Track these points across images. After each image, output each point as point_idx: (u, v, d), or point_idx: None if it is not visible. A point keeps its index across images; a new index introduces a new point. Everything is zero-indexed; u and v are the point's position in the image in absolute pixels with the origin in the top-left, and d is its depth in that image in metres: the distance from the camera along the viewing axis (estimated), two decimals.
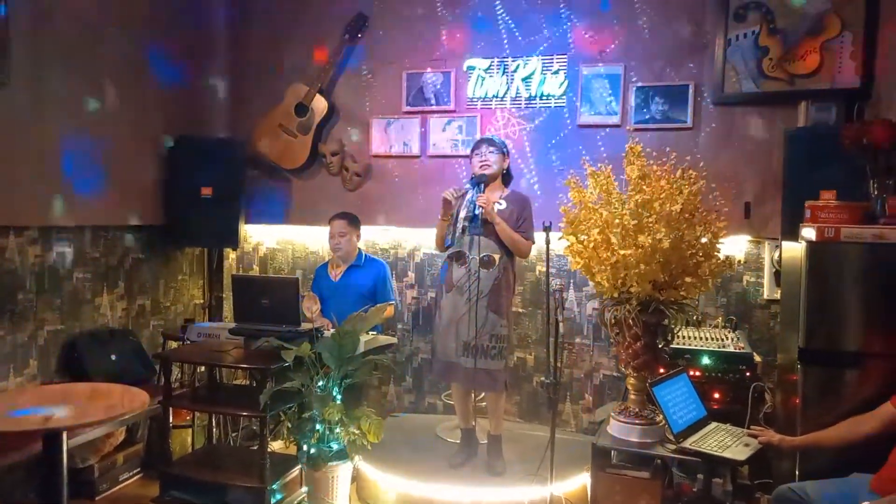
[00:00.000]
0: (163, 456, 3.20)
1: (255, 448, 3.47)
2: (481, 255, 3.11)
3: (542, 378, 3.86)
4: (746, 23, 3.52)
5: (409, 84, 4.14)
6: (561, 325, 2.66)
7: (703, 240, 2.48)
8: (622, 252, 2.39)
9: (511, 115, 3.96)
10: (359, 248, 3.86)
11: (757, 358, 3.08)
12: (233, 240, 4.19)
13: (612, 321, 2.54)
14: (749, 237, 3.59)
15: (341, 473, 3.08)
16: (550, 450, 2.59)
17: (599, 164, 2.64)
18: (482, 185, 3.17)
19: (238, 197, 4.16)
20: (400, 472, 3.20)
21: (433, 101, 4.11)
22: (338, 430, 3.04)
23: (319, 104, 4.21)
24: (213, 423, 3.57)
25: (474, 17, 4.00)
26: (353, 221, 3.81)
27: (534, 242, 3.22)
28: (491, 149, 3.22)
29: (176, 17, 4.14)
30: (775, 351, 3.43)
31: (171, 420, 3.20)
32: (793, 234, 2.81)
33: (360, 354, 3.11)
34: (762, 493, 3.04)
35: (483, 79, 4.00)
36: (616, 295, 2.51)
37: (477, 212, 3.08)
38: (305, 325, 3.19)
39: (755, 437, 2.45)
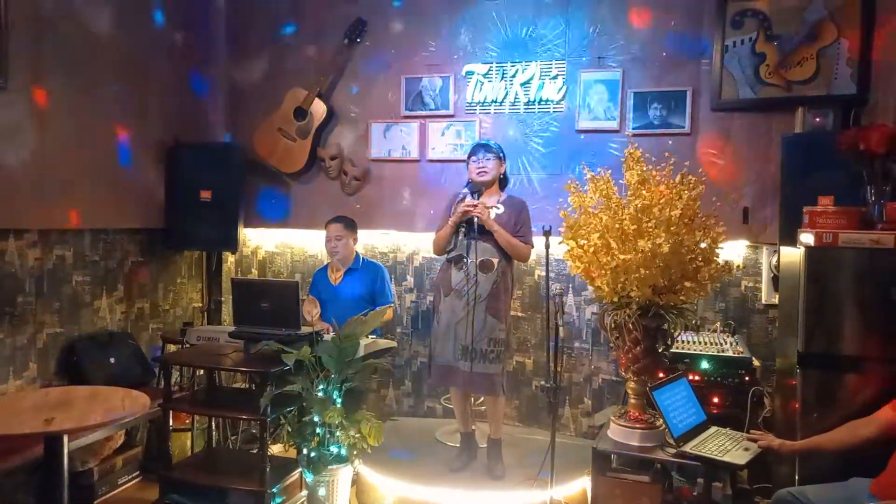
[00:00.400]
0: (162, 459, 3.20)
1: (255, 451, 3.47)
2: (480, 259, 3.12)
3: (542, 382, 3.88)
4: (743, 29, 3.55)
5: (408, 88, 4.16)
6: (560, 329, 2.67)
7: (703, 245, 2.50)
8: (622, 257, 2.41)
9: (510, 120, 3.98)
10: (356, 252, 3.87)
11: (756, 362, 3.10)
12: (232, 243, 4.20)
13: (612, 325, 2.55)
14: (747, 242, 3.61)
15: (341, 477, 3.08)
16: (551, 453, 2.60)
17: (599, 169, 2.66)
18: (478, 194, 3.18)
19: (237, 201, 4.16)
20: (400, 475, 3.20)
21: (432, 106, 4.12)
22: (338, 433, 3.04)
23: (318, 108, 4.22)
24: (213, 427, 3.56)
25: (473, 22, 4.02)
26: (350, 225, 3.82)
27: (533, 246, 3.23)
28: (488, 155, 3.22)
29: (176, 21, 4.15)
30: (774, 355, 3.44)
31: (170, 423, 3.20)
32: (791, 240, 2.82)
33: (360, 358, 3.12)
34: (761, 497, 3.05)
35: (482, 83, 4.02)
36: (616, 299, 2.52)
37: (475, 220, 3.08)
38: (305, 329, 3.19)
39: (755, 441, 2.46)
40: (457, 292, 3.16)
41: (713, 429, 2.61)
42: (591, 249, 2.52)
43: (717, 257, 2.52)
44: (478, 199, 3.16)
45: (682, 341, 3.21)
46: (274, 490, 2.96)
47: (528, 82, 3.93)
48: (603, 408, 3.82)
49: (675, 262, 2.40)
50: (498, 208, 3.22)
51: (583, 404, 3.95)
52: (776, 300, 3.47)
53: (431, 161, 4.14)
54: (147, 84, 3.96)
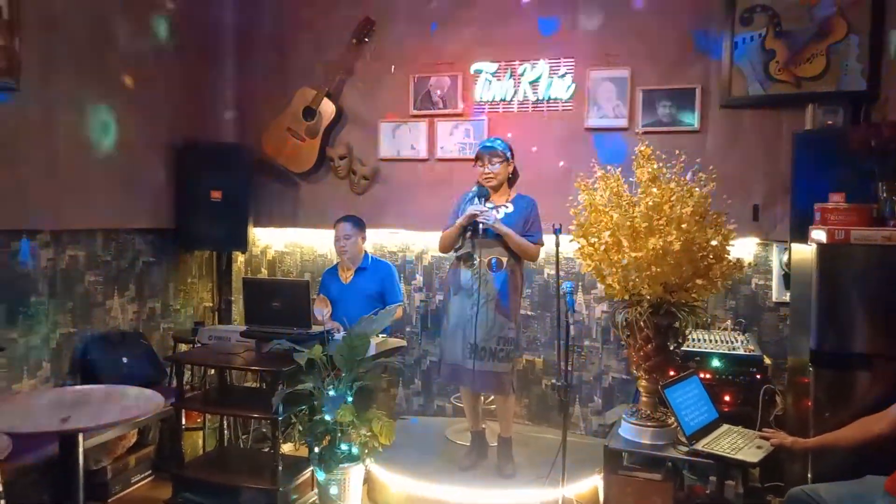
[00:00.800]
0: (175, 458, 3.22)
1: (267, 450, 3.50)
2: (489, 258, 3.12)
3: (553, 381, 3.88)
4: (753, 26, 3.54)
5: (417, 87, 4.17)
6: (571, 327, 2.67)
7: (714, 242, 2.49)
8: (633, 254, 2.41)
9: (518, 118, 3.98)
10: (365, 251, 3.88)
11: (767, 360, 3.10)
12: (242, 243, 4.22)
13: (624, 323, 2.55)
14: (757, 240, 3.60)
15: (353, 475, 3.09)
16: (562, 452, 2.60)
17: (608, 167, 2.66)
18: (485, 198, 3.16)
19: (247, 200, 4.19)
20: (411, 474, 3.21)
21: (441, 105, 4.13)
22: (349, 432, 3.05)
23: (327, 108, 4.23)
24: (225, 426, 3.58)
25: (481, 21, 4.02)
26: (358, 224, 3.83)
27: (542, 244, 3.23)
28: (494, 160, 3.17)
29: (185, 22, 4.17)
30: (785, 353, 3.43)
31: (183, 422, 3.21)
32: (802, 237, 2.82)
33: (370, 357, 3.13)
34: (773, 495, 3.05)
35: (490, 82, 4.02)
36: (627, 297, 2.52)
37: (481, 227, 3.08)
38: (316, 328, 3.21)
39: (767, 439, 2.45)
40: (466, 291, 3.16)
41: (725, 427, 2.61)
42: (602, 247, 2.52)
43: (729, 255, 2.51)
44: (486, 202, 3.14)
45: (693, 339, 3.21)
46: (286, 489, 2.97)
47: (536, 80, 3.93)
48: (613, 406, 3.81)
49: (686, 259, 2.40)
50: (507, 207, 3.21)
51: (593, 403, 3.95)
52: (787, 298, 3.46)
53: (440, 160, 4.14)
54: (157, 84, 3.98)
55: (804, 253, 2.78)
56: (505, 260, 3.13)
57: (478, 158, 3.24)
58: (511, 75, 3.98)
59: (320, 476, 3.05)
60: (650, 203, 2.46)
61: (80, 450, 2.41)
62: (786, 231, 3.27)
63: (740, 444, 2.44)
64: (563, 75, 3.88)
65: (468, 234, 3.15)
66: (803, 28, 3.44)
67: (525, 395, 4.03)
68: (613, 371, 3.90)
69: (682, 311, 2.48)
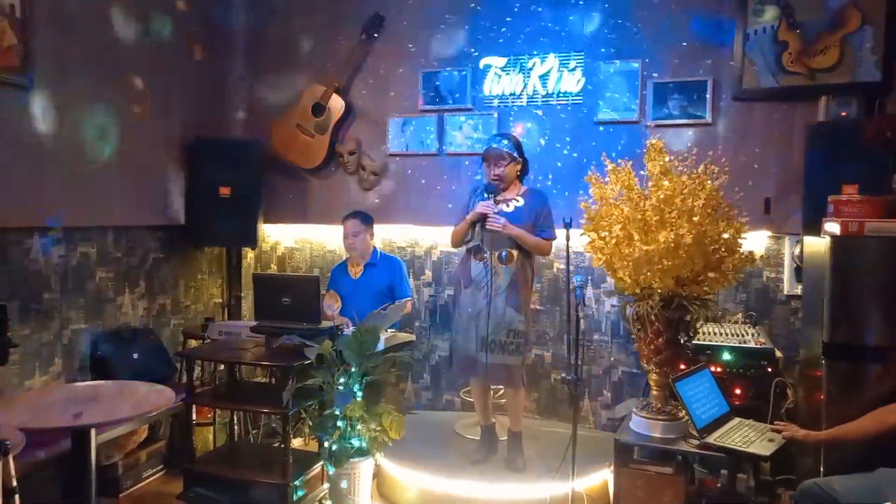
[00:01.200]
0: (186, 453, 3.24)
1: (277, 445, 3.51)
2: (499, 251, 3.12)
3: (563, 374, 3.88)
4: (765, 17, 3.51)
5: (426, 83, 4.16)
6: (581, 321, 2.66)
7: (726, 235, 2.47)
8: (645, 248, 2.39)
9: (528, 112, 3.97)
10: (373, 246, 3.88)
11: (778, 353, 3.07)
12: (251, 239, 4.24)
13: (634, 317, 2.54)
14: (769, 232, 3.57)
15: (363, 470, 3.09)
16: (572, 445, 2.60)
17: (619, 161, 2.64)
18: (494, 195, 3.15)
19: (256, 197, 4.21)
20: (421, 468, 3.21)
21: (449, 100, 4.12)
22: (359, 426, 3.05)
23: (336, 104, 4.23)
24: (235, 421, 3.60)
25: (490, 15, 4.01)
26: (366, 220, 3.83)
27: (555, 238, 3.22)
28: (500, 162, 3.15)
29: (195, 19, 4.18)
30: (796, 346, 3.41)
31: (193, 417, 3.23)
32: (815, 229, 2.79)
33: (380, 351, 3.13)
34: (784, 489, 3.03)
35: (500, 76, 4.01)
36: (638, 291, 2.50)
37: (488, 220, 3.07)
38: (325, 323, 3.21)
39: (779, 431, 2.43)
40: (476, 284, 3.16)
41: (736, 420, 2.59)
42: (613, 241, 2.50)
43: (741, 247, 2.49)
44: (494, 199, 3.13)
45: (704, 332, 3.19)
46: (296, 483, 2.98)
47: (546, 75, 3.91)
48: (622, 400, 3.80)
49: (698, 252, 2.38)
50: (518, 200, 3.21)
51: (602, 396, 3.93)
52: (798, 291, 3.44)
53: (450, 155, 4.14)
54: (167, 82, 3.99)
55: (817, 245, 2.75)
56: (515, 253, 3.13)
57: (485, 160, 3.22)
58: (520, 69, 3.96)
59: (330, 470, 3.06)
60: (661, 196, 2.45)
61: (93, 445, 2.43)
62: (798, 224, 3.24)
63: (752, 438, 2.42)
64: (572, 69, 3.86)
65: (477, 227, 3.15)
66: (816, 19, 3.40)
67: (534, 389, 4.03)
68: (623, 365, 3.88)
69: (693, 305, 2.46)
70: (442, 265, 4.27)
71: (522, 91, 3.97)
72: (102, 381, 2.97)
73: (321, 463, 3.14)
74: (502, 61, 3.99)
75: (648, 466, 2.56)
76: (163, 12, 3.96)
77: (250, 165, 4.17)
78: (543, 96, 3.93)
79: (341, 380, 3.04)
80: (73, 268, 3.48)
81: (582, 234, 2.67)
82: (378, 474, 3.34)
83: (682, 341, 2.57)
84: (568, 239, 2.77)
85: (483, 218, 3.09)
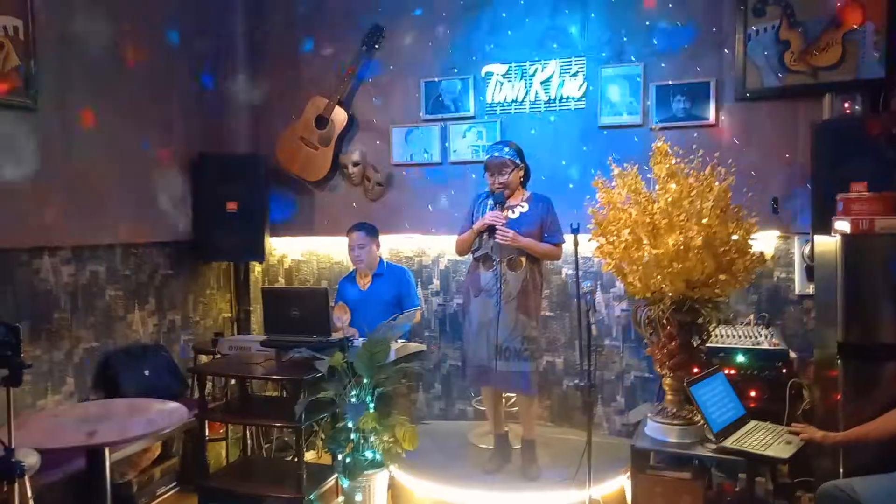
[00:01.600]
0: (199, 469, 3.23)
1: (290, 459, 3.51)
2: (507, 258, 3.11)
3: (576, 381, 3.86)
4: (766, 17, 3.50)
5: (428, 92, 4.16)
6: (593, 327, 2.65)
7: (735, 236, 2.46)
8: (654, 251, 2.38)
9: (531, 119, 3.97)
10: (380, 257, 3.88)
11: (792, 354, 3.05)
12: (259, 253, 4.25)
13: (646, 321, 2.53)
14: (778, 232, 3.55)
15: (377, 482, 3.08)
16: (588, 452, 2.58)
17: (625, 164, 2.64)
18: (500, 205, 3.14)
19: (263, 210, 4.22)
20: (435, 479, 3.20)
21: (452, 108, 4.13)
22: (372, 438, 3.04)
23: (339, 116, 4.24)
24: (247, 436, 3.59)
25: (491, 23, 4.02)
26: (371, 232, 3.83)
27: (563, 242, 3.21)
28: (503, 170, 3.14)
29: (196, 35, 4.21)
30: (810, 347, 3.38)
31: (206, 433, 3.23)
32: (824, 228, 2.78)
33: (391, 362, 3.12)
34: (803, 491, 3.00)
35: (501, 84, 4.01)
36: (649, 295, 2.49)
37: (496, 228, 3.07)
38: (336, 335, 3.21)
39: (796, 434, 2.42)
40: (486, 292, 3.15)
41: (753, 423, 2.57)
42: (622, 245, 2.50)
43: (751, 248, 2.48)
44: (502, 208, 3.13)
45: (717, 335, 3.17)
46: (311, 497, 2.97)
47: (547, 80, 3.91)
48: (635, 405, 3.78)
49: (708, 254, 2.37)
50: (523, 206, 3.21)
51: (615, 402, 3.91)
52: (810, 290, 3.41)
53: (453, 163, 4.14)
54: (170, 98, 4.02)
55: (827, 244, 2.74)
56: (524, 259, 3.12)
57: (487, 169, 3.21)
58: (522, 76, 3.97)
59: (345, 483, 3.05)
60: (669, 199, 2.44)
61: (107, 464, 2.43)
62: (807, 223, 3.23)
63: (769, 440, 2.40)
64: (574, 74, 3.86)
65: (485, 235, 3.15)
66: (818, 17, 3.39)
67: (546, 397, 4.01)
68: (635, 370, 3.86)
69: (705, 308, 2.45)
70: (450, 274, 4.27)
71: (525, 98, 3.97)
72: (115, 400, 2.98)
73: (335, 476, 3.14)
74: (504, 68, 4.00)
75: (665, 472, 2.55)
76: (164, 30, 3.98)
77: (255, 179, 4.19)
78: (546, 102, 3.93)
79: (353, 392, 3.03)
80: (83, 286, 3.49)
81: (590, 240, 2.66)
82: (392, 486, 3.32)
83: (695, 344, 2.56)
84: (576, 244, 2.76)
85: (491, 228, 3.09)
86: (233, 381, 3.80)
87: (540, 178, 3.81)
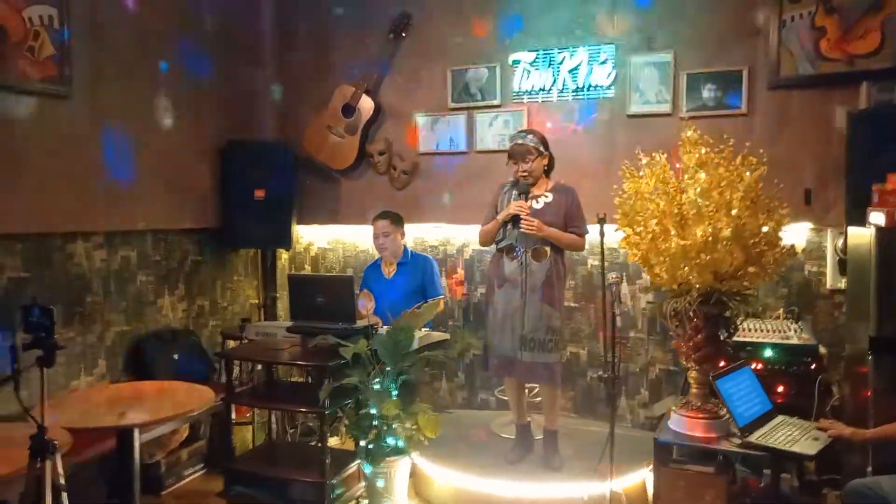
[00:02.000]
0: (226, 452, 3.29)
1: (314, 444, 3.55)
2: (532, 248, 3.10)
3: (600, 373, 3.83)
4: (801, 3, 3.41)
5: (455, 80, 4.15)
6: (618, 318, 2.63)
7: (765, 228, 2.41)
8: (682, 242, 2.35)
9: (558, 107, 3.93)
10: (404, 245, 3.89)
11: (822, 349, 2.99)
12: (286, 240, 4.29)
13: (672, 313, 2.49)
14: (810, 225, 3.48)
15: (399, 469, 3.11)
16: (610, 444, 2.57)
17: (653, 154, 2.60)
18: (525, 195, 3.12)
19: (290, 198, 4.25)
20: (457, 467, 3.21)
21: (479, 97, 4.10)
22: (395, 425, 3.06)
23: (366, 104, 4.25)
24: (273, 420, 3.65)
25: (519, 10, 3.98)
26: (396, 220, 3.83)
27: (588, 233, 3.18)
28: (528, 157, 3.12)
29: (226, 24, 4.25)
30: (841, 342, 3.31)
31: (233, 417, 3.28)
32: (859, 220, 2.70)
33: (414, 350, 3.13)
34: (830, 489, 2.95)
35: (529, 72, 3.97)
36: (675, 287, 2.46)
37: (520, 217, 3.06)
38: (360, 323, 3.23)
39: (824, 430, 2.37)
40: (511, 283, 3.14)
41: (780, 418, 2.53)
42: (649, 236, 2.46)
43: (781, 241, 2.43)
44: (526, 198, 3.11)
45: (744, 329, 3.11)
46: (334, 481, 3.01)
47: (576, 69, 3.87)
48: (660, 398, 3.74)
49: (737, 246, 2.33)
50: (547, 197, 3.18)
51: (639, 395, 3.88)
52: (842, 285, 3.34)
53: (480, 152, 4.12)
54: (200, 86, 4.06)
55: (861, 237, 2.67)
56: (548, 249, 3.10)
57: (510, 157, 3.19)
58: (550, 64, 3.92)
59: (367, 469, 3.08)
60: (698, 189, 2.40)
61: (137, 444, 2.49)
62: (840, 215, 3.15)
63: (796, 436, 2.36)
64: (603, 62, 3.81)
65: (509, 226, 3.13)
66: (856, 2, 3.29)
67: (570, 388, 3.99)
68: (660, 362, 3.82)
69: (732, 300, 2.41)
70: (474, 263, 4.26)
71: (552, 86, 3.93)
72: (143, 382, 3.05)
73: (358, 462, 3.16)
74: (531, 56, 3.96)
75: (689, 466, 2.51)
76: (193, 18, 4.02)
77: (282, 168, 4.22)
78: (574, 91, 3.89)
79: (377, 379, 3.05)
80: (115, 271, 3.57)
81: (616, 230, 2.63)
82: (414, 473, 3.35)
83: (721, 338, 2.52)
84: (602, 235, 2.73)
85: (515, 218, 3.07)
86: (259, 367, 3.86)
87: (567, 167, 3.78)
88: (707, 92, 3.59)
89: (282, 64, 4.57)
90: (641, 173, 2.57)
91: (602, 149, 3.83)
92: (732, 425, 2.42)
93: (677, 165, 2.54)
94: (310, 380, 3.67)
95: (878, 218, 2.41)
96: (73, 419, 2.37)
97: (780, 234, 2.43)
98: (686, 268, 2.36)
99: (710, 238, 2.31)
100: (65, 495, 2.04)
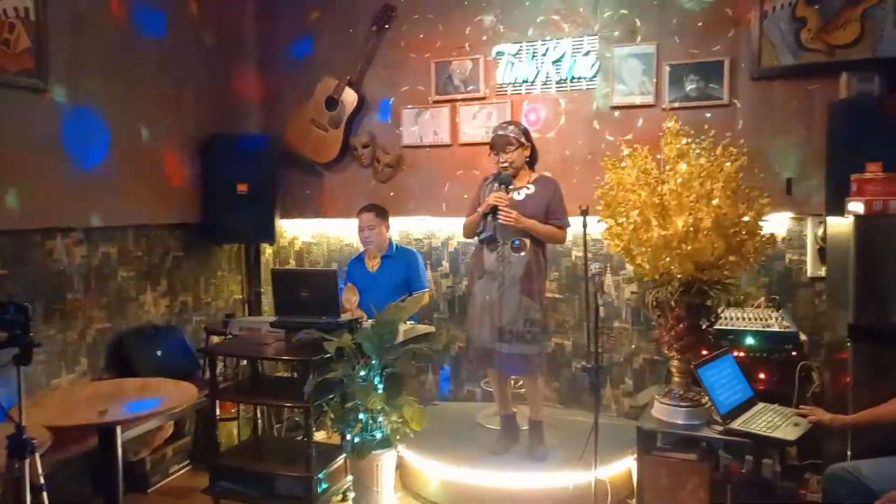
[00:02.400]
0: (211, 448, 3.28)
1: (300, 438, 3.54)
2: (511, 240, 3.10)
3: (583, 363, 3.86)
4: None
5: (438, 72, 4.13)
6: (601, 309, 2.64)
7: (746, 218, 2.43)
8: (663, 232, 2.36)
9: (542, 99, 3.93)
10: (389, 238, 3.88)
11: (802, 337, 3.02)
12: (269, 235, 4.26)
13: (654, 303, 2.51)
14: (791, 214, 3.51)
15: (385, 461, 3.11)
16: (594, 434, 2.58)
17: (636, 145, 2.61)
18: (506, 185, 3.12)
19: (273, 192, 4.23)
20: (443, 459, 3.22)
21: (462, 89, 4.09)
22: (380, 418, 3.06)
23: (349, 97, 4.23)
24: (258, 415, 3.63)
25: (502, 2, 3.97)
26: (381, 213, 3.83)
27: (569, 226, 3.19)
28: (508, 148, 3.12)
29: (206, 15, 4.20)
30: (821, 329, 3.35)
31: (217, 413, 3.26)
32: (838, 209, 2.73)
33: (399, 343, 3.13)
34: (811, 473, 2.99)
35: (512, 64, 3.97)
36: (657, 277, 2.48)
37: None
38: (345, 317, 3.22)
39: (804, 416, 2.40)
40: (490, 274, 3.14)
41: (761, 405, 2.56)
42: (631, 227, 2.48)
43: (762, 230, 2.45)
44: (507, 189, 3.11)
45: (726, 317, 3.14)
46: (320, 476, 3.01)
47: (559, 60, 3.86)
48: (644, 387, 3.77)
49: (718, 236, 2.34)
50: (528, 188, 3.18)
51: (624, 384, 3.91)
52: (822, 273, 3.37)
53: (463, 145, 4.11)
54: (181, 80, 4.02)
55: (841, 226, 2.70)
56: (527, 241, 3.10)
57: (492, 148, 3.20)
58: (533, 56, 3.92)
59: (353, 463, 3.08)
60: (679, 180, 2.41)
61: (119, 442, 2.47)
62: (820, 204, 3.18)
63: (777, 423, 2.39)
64: (586, 53, 3.81)
65: (489, 217, 3.13)
66: None
67: (555, 378, 4.01)
68: (644, 352, 3.85)
69: (714, 289, 2.43)
70: (459, 256, 4.26)
71: (536, 77, 3.93)
72: (126, 379, 3.02)
73: (344, 455, 3.17)
74: (514, 48, 3.95)
75: (672, 454, 2.54)
76: (174, 10, 3.97)
77: (265, 161, 4.19)
78: (557, 82, 3.89)
79: (362, 373, 3.05)
80: (96, 267, 3.53)
81: (599, 221, 2.64)
82: (401, 466, 3.35)
83: (703, 327, 2.55)
84: (585, 226, 2.74)
85: (495, 209, 3.07)
86: (244, 362, 3.84)
87: (550, 158, 3.79)
88: (690, 83, 3.60)
89: (264, 56, 4.53)
90: (623, 164, 2.57)
91: (586, 140, 3.84)
92: (714, 413, 2.45)
93: (658, 156, 2.55)
94: (295, 374, 3.65)
95: (856, 207, 2.44)
96: (54, 417, 2.35)
97: (761, 223, 2.45)
98: (667, 258, 2.38)
99: (691, 228, 2.32)
100: (44, 494, 2.02)
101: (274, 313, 3.42)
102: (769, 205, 2.49)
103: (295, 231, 4.72)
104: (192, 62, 4.10)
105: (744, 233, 2.42)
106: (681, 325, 2.50)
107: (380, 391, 3.05)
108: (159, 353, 3.68)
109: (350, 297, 3.37)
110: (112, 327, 3.61)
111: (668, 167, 2.51)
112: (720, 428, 2.41)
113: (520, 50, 3.94)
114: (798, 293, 3.54)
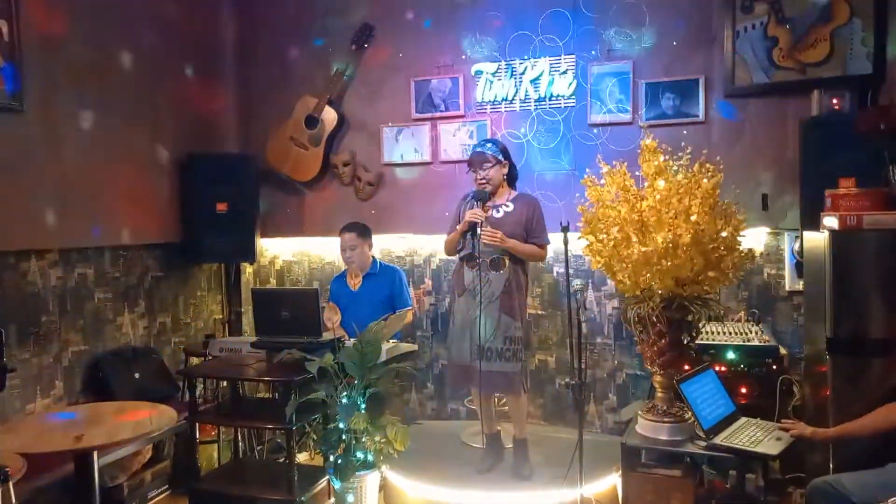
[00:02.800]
0: (191, 472, 3.21)
1: (282, 461, 3.49)
2: (490, 258, 3.10)
3: (567, 380, 3.85)
4: (754, 13, 3.51)
5: (418, 91, 4.16)
6: (583, 325, 2.65)
7: (724, 233, 2.46)
8: (643, 249, 2.38)
9: (521, 117, 3.96)
10: (372, 257, 3.87)
11: (783, 350, 3.06)
12: (249, 254, 4.23)
13: (636, 319, 2.52)
14: (768, 229, 3.56)
15: (369, 482, 3.07)
16: (579, 451, 2.58)
17: (614, 162, 2.63)
18: (482, 202, 3.12)
19: (253, 211, 4.20)
20: (427, 479, 3.19)
21: (442, 108, 4.12)
22: (364, 439, 3.03)
23: (329, 115, 4.23)
24: (239, 438, 3.58)
25: (480, 22, 4.01)
26: (363, 232, 3.81)
27: (549, 243, 3.20)
28: (485, 165, 3.13)
29: (185, 34, 4.18)
30: (800, 343, 3.39)
31: (197, 436, 3.21)
32: (813, 224, 2.78)
33: (382, 363, 3.11)
34: (795, 486, 3.01)
35: (491, 82, 4.00)
36: (638, 292, 2.49)
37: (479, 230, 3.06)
38: (327, 336, 3.19)
39: (787, 430, 2.42)
40: (470, 292, 3.14)
41: (743, 419, 2.57)
42: (612, 243, 2.49)
43: (740, 245, 2.48)
44: (483, 206, 3.12)
45: (707, 332, 3.16)
46: (303, 499, 2.96)
47: (537, 79, 3.91)
48: (628, 403, 3.78)
49: (697, 251, 2.37)
50: (507, 206, 3.19)
51: (608, 400, 3.91)
52: (800, 286, 3.42)
53: (444, 162, 4.13)
54: (158, 99, 3.99)
55: (816, 240, 2.74)
56: (507, 259, 3.11)
57: (469, 165, 3.21)
58: (512, 75, 3.96)
59: (336, 484, 3.04)
60: (657, 197, 2.44)
61: (95, 468, 2.41)
62: (796, 219, 3.23)
63: (759, 437, 2.40)
64: (563, 72, 3.86)
65: (468, 234, 3.14)
66: (805, 13, 3.40)
67: (539, 395, 4.01)
68: (627, 368, 3.86)
69: (694, 305, 2.45)
70: (441, 273, 4.26)
71: (515, 96, 3.97)
72: (103, 403, 2.96)
73: (327, 477, 3.12)
74: (493, 67, 3.99)
75: (656, 469, 2.54)
76: (151, 30, 3.95)
77: (245, 180, 4.17)
78: (536, 100, 3.93)
79: (344, 392, 3.02)
80: (72, 289, 3.47)
81: (580, 238, 2.66)
82: (384, 486, 3.31)
83: (685, 342, 2.56)
84: (566, 243, 2.75)
85: (474, 226, 3.07)
86: (224, 383, 3.79)
87: (530, 176, 3.82)
88: (666, 100, 3.66)
89: (243, 75, 4.53)
90: (602, 182, 2.60)
91: (565, 157, 3.87)
92: (698, 428, 2.46)
93: (637, 173, 2.58)
94: (276, 395, 3.61)
95: (831, 222, 2.48)
96: (29, 443, 2.29)
97: (739, 238, 2.49)
98: (648, 274, 2.40)
99: (671, 244, 2.35)
100: None
101: (254, 333, 3.38)
102: (746, 220, 2.53)
103: (276, 250, 4.68)
104: (170, 81, 4.08)
105: (722, 248, 2.44)
106: (663, 341, 2.52)
107: (363, 411, 3.02)
108: (137, 375, 3.62)
109: (332, 317, 3.34)
110: (88, 350, 3.54)
111: (646, 184, 2.54)
112: (703, 443, 2.42)
113: (498, 68, 3.98)
114: (777, 307, 3.59)
